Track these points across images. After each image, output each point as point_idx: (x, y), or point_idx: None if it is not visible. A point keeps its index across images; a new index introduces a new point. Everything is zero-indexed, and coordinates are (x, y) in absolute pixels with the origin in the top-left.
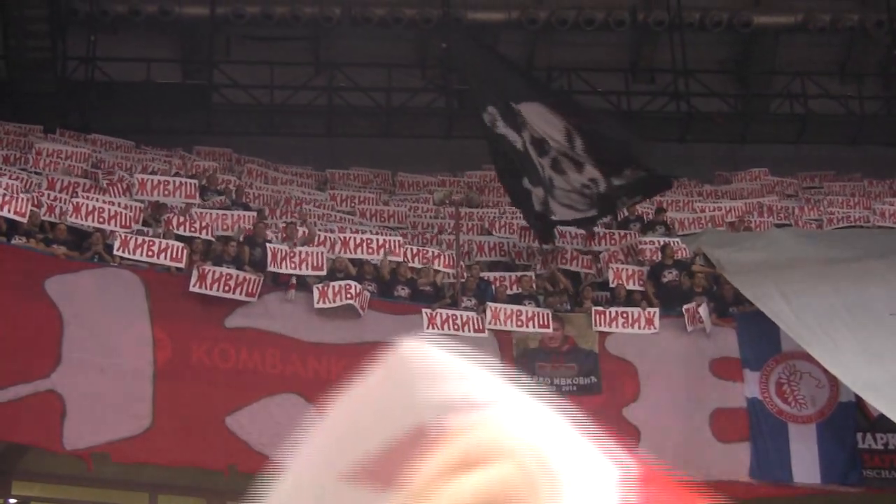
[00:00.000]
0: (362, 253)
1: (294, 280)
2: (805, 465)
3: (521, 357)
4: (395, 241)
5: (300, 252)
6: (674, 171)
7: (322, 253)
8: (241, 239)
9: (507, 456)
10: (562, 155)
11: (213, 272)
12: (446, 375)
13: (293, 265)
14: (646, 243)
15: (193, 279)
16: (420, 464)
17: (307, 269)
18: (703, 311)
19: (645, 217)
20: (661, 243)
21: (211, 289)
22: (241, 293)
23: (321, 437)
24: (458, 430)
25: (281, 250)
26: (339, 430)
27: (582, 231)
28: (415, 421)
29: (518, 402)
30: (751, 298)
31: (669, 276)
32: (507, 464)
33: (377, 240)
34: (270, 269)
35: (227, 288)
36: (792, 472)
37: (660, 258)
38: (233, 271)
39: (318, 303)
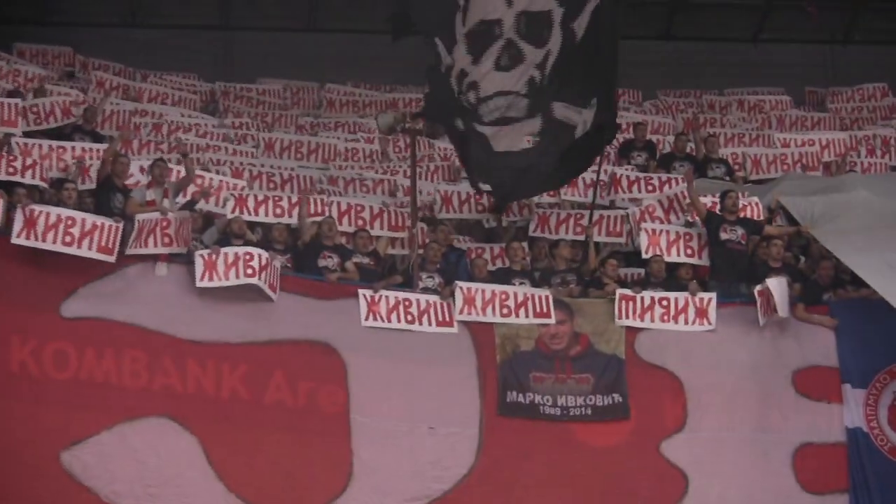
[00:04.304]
0: (266, 215)
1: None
2: None
3: (509, 363)
4: (316, 200)
5: (176, 220)
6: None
7: (188, 220)
8: (84, 181)
9: None
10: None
11: (48, 216)
12: None
13: (165, 239)
14: (699, 194)
15: (17, 227)
16: None
17: (181, 244)
18: (775, 285)
19: (696, 155)
20: (721, 193)
21: (43, 240)
22: (90, 247)
23: None
24: None
25: (150, 222)
26: None
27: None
28: None
29: None
30: (853, 267)
31: (731, 233)
32: None
33: (287, 198)
34: (132, 250)
35: (68, 239)
36: None
37: (718, 210)
38: (77, 214)
39: (201, 279)
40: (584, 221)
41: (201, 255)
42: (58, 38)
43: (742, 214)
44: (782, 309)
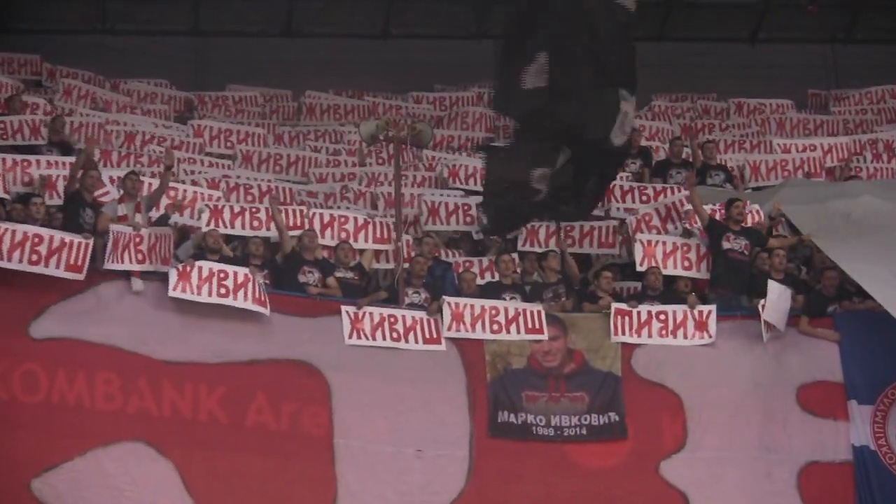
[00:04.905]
0: (243, 227)
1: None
2: None
3: (500, 382)
4: (296, 211)
5: (149, 235)
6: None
7: (168, 236)
8: (52, 196)
9: None
10: None
11: (13, 233)
12: None
13: (139, 256)
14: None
15: None
16: None
17: (156, 261)
18: (773, 289)
19: (693, 162)
20: (727, 201)
21: (9, 259)
22: (58, 265)
23: None
24: None
25: (124, 235)
26: None
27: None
28: None
29: None
30: (855, 277)
31: (735, 243)
32: None
33: (265, 209)
34: (108, 265)
35: (34, 258)
36: None
37: (721, 219)
38: (45, 231)
39: (174, 289)
40: (575, 234)
41: (176, 268)
42: (25, 46)
43: (747, 223)
44: (775, 315)
